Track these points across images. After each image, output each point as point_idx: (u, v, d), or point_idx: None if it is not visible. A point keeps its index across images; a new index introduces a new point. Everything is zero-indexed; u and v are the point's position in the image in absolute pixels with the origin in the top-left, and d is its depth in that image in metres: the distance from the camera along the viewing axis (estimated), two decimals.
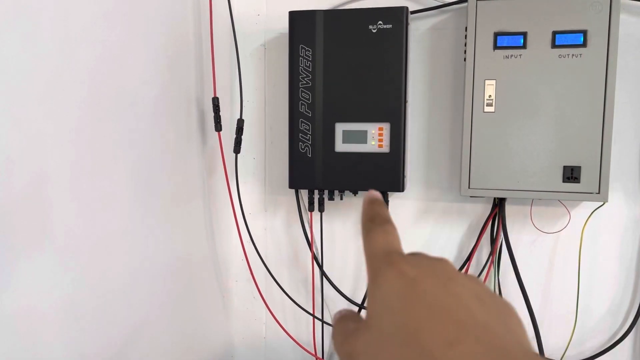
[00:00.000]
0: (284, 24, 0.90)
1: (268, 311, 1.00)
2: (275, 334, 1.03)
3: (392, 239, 0.27)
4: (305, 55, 0.87)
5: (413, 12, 0.88)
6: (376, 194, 0.30)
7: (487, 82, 0.80)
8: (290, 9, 0.88)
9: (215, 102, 0.85)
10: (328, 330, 1.01)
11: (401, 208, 0.94)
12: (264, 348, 1.06)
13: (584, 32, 0.76)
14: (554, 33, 0.77)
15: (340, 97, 0.86)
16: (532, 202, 0.88)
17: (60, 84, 0.55)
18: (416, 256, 0.26)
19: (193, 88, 0.84)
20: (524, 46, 0.78)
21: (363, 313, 0.26)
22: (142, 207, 0.71)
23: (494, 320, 0.22)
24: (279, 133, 0.98)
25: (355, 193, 0.92)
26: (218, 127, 0.86)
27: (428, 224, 0.94)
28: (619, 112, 0.82)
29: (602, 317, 0.90)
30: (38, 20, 0.52)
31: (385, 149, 0.86)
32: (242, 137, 0.90)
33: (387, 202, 0.90)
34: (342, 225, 0.98)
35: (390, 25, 0.84)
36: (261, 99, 0.99)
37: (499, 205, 0.87)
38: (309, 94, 0.87)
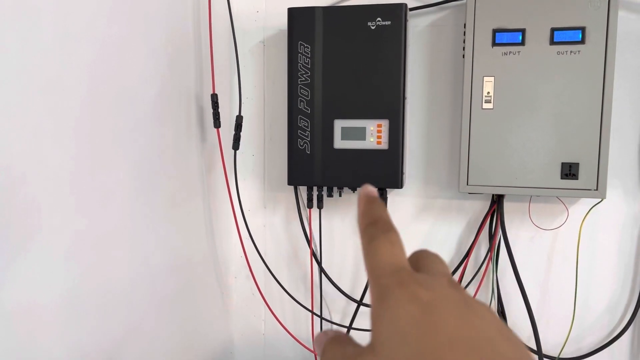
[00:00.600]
0: (283, 21, 0.90)
1: (267, 308, 1.01)
2: (274, 331, 1.04)
3: (398, 251, 0.25)
4: (304, 52, 0.87)
5: (412, 9, 0.88)
6: (372, 190, 0.27)
7: (485, 78, 0.80)
8: (289, 5, 0.88)
9: (214, 98, 0.85)
10: (327, 326, 1.01)
11: (400, 205, 0.94)
12: (263, 344, 1.06)
13: (583, 29, 0.76)
14: (553, 30, 0.77)
15: (339, 93, 0.86)
16: (531, 199, 0.89)
17: (60, 81, 0.55)
18: (426, 276, 0.24)
19: (192, 85, 0.85)
20: (522, 43, 0.78)
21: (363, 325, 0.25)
22: (142, 203, 0.71)
23: (519, 357, 0.21)
24: (278, 130, 0.98)
25: (354, 190, 0.92)
26: (217, 123, 0.86)
27: (427, 221, 0.94)
28: (617, 109, 0.82)
29: (600, 314, 0.90)
30: (38, 18, 0.52)
31: (384, 145, 0.86)
32: (241, 133, 0.90)
33: (385, 198, 0.91)
34: (341, 222, 0.98)
35: (389, 22, 0.84)
36: (260, 95, 0.99)
37: (497, 202, 0.87)
38: (307, 91, 0.87)
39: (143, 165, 0.71)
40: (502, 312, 0.91)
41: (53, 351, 0.56)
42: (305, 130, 0.88)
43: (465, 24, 0.81)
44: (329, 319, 1.00)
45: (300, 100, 0.88)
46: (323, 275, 0.98)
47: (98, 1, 0.60)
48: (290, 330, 1.00)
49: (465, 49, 0.81)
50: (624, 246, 0.88)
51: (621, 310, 0.89)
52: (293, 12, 0.87)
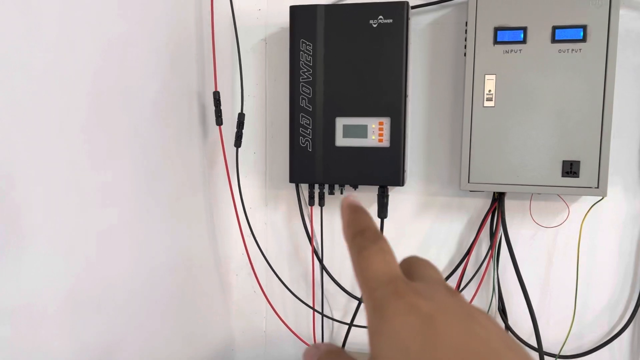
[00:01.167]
0: (284, 19, 0.90)
1: (268, 305, 1.01)
2: (276, 328, 1.04)
3: (390, 259, 0.23)
4: (306, 49, 0.87)
5: (414, 7, 0.88)
6: (354, 200, 0.26)
7: (487, 76, 0.80)
8: (291, 3, 0.88)
9: (216, 96, 0.85)
10: (328, 323, 1.02)
11: (401, 202, 0.95)
12: (264, 341, 1.07)
13: (584, 27, 0.77)
14: (554, 28, 0.78)
15: (340, 91, 0.86)
16: (532, 197, 0.89)
17: (64, 79, 0.55)
18: (423, 284, 0.23)
19: (194, 82, 0.85)
20: (524, 41, 0.79)
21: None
22: (144, 200, 0.71)
23: None
24: (280, 127, 0.99)
25: (355, 187, 0.92)
26: (219, 121, 0.86)
27: (428, 218, 0.95)
28: (618, 107, 0.82)
29: (600, 311, 0.90)
30: (41, 16, 0.52)
31: (386, 143, 0.86)
32: (243, 131, 0.90)
33: (387, 196, 0.91)
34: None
35: (391, 20, 0.84)
36: (262, 93, 1.00)
37: (498, 199, 0.87)
38: (309, 89, 0.87)
39: (145, 163, 0.71)
40: (502, 310, 0.92)
41: (54, 350, 0.56)
42: (307, 128, 0.88)
43: (466, 22, 0.81)
44: (330, 316, 1.01)
45: (302, 98, 0.88)
46: (324, 272, 0.98)
47: (101, 0, 0.60)
48: (291, 327, 1.00)
49: (467, 47, 0.81)
50: (624, 244, 0.88)
51: (622, 307, 0.90)
52: (295, 10, 0.87)
